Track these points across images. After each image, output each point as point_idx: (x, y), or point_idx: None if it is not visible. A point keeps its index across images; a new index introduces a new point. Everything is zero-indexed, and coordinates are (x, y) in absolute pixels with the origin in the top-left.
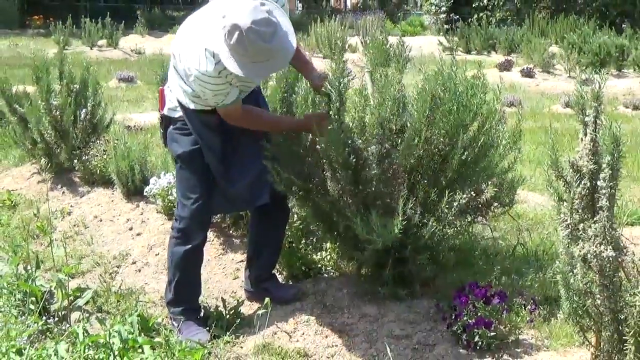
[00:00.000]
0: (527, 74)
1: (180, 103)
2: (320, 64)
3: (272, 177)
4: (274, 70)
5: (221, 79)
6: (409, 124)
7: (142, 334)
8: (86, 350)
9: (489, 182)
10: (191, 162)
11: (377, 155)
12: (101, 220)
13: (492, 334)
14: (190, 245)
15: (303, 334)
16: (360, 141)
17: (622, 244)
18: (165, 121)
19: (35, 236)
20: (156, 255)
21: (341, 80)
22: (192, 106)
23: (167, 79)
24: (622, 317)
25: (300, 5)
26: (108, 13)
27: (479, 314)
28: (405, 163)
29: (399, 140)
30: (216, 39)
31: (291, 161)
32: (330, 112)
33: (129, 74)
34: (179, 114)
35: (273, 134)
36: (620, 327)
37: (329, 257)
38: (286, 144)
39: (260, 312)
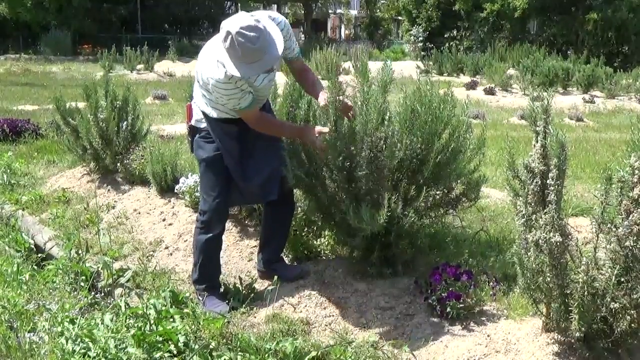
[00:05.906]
0: (489, 92)
1: (204, 114)
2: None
3: (285, 173)
4: (262, 69)
5: (231, 84)
6: (390, 133)
7: (173, 306)
8: (127, 320)
9: (458, 181)
10: (213, 165)
11: (366, 159)
12: (139, 213)
13: (461, 305)
14: (211, 234)
15: (305, 305)
16: (352, 147)
17: (567, 231)
18: (192, 131)
19: (85, 226)
20: (185, 241)
21: (337, 97)
22: (214, 115)
23: (193, 96)
24: (568, 292)
25: (302, 35)
26: (145, 43)
27: (450, 289)
28: (389, 165)
29: (384, 147)
30: (221, 50)
31: (300, 163)
32: (328, 124)
33: (162, 92)
34: (204, 124)
35: (287, 141)
36: (566, 300)
37: (327, 242)
38: (297, 149)
39: (270, 288)
